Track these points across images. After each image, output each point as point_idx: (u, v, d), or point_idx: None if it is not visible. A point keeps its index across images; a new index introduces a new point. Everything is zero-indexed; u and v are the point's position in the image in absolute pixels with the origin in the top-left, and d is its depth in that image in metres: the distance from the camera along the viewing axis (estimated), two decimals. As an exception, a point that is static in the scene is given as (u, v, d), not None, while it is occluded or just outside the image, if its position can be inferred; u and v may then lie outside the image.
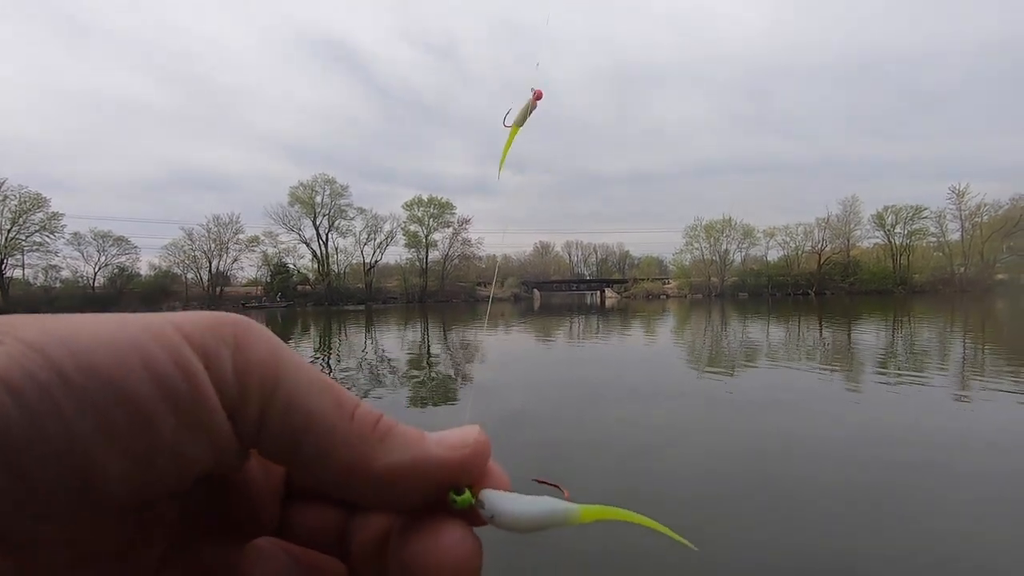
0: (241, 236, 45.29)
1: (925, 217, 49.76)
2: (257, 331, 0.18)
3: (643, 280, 55.66)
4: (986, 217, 47.60)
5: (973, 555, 2.19)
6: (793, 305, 28.39)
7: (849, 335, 11.52)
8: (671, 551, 2.22)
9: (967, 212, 48.74)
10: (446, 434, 0.19)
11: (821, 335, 11.64)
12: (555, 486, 0.19)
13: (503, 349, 10.32)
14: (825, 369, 6.84)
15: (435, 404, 5.28)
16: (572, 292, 58.17)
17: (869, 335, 11.44)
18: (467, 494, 0.18)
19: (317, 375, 0.18)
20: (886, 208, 50.85)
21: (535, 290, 53.20)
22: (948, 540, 2.30)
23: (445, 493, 0.19)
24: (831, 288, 49.06)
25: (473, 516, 0.19)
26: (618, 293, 52.52)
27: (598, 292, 55.37)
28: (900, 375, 6.27)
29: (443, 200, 49.28)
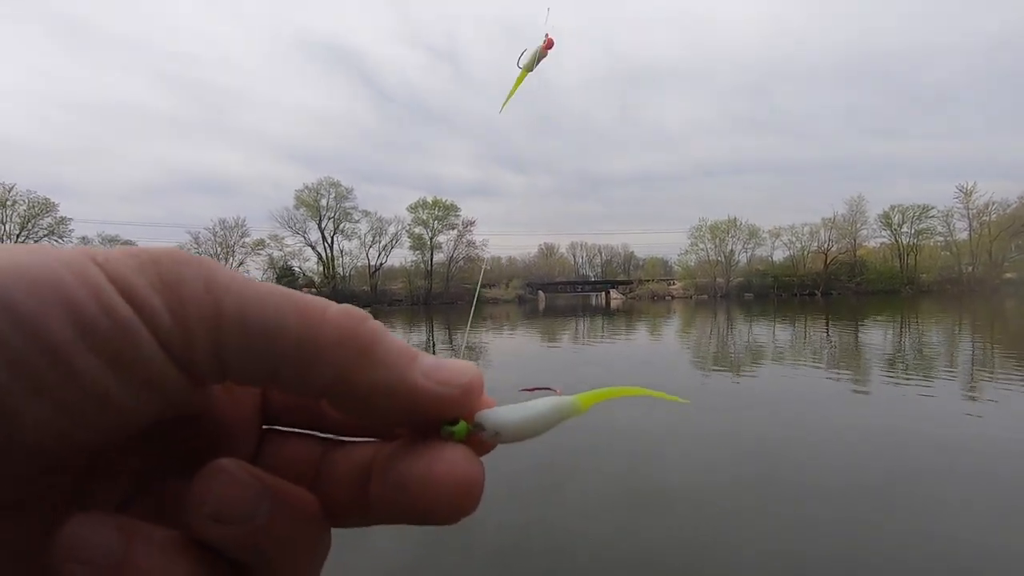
0: (247, 239, 45.48)
1: (932, 216, 49.43)
2: (186, 259, 0.16)
3: (648, 281, 55.50)
4: (994, 216, 47.22)
5: (984, 559, 2.17)
6: (799, 305, 28.26)
7: (856, 336, 11.46)
8: (677, 555, 2.22)
9: (975, 211, 48.38)
10: (439, 365, 0.18)
11: (828, 336, 11.58)
12: (545, 388, 0.19)
13: (508, 351, 10.32)
14: (832, 370, 6.81)
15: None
16: (577, 293, 58.05)
17: (876, 336, 11.37)
18: (462, 424, 0.18)
19: (268, 287, 0.16)
20: (893, 207, 50.55)
21: (540, 292, 53.14)
22: (956, 543, 2.28)
23: (436, 423, 0.18)
24: (838, 288, 48.79)
25: (473, 444, 0.18)
26: (623, 294, 52.40)
27: (603, 293, 55.27)
28: (908, 375, 6.23)
29: (448, 202, 49.34)
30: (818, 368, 6.99)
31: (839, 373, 6.56)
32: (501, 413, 0.18)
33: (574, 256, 79.79)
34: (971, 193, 48.36)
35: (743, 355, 8.66)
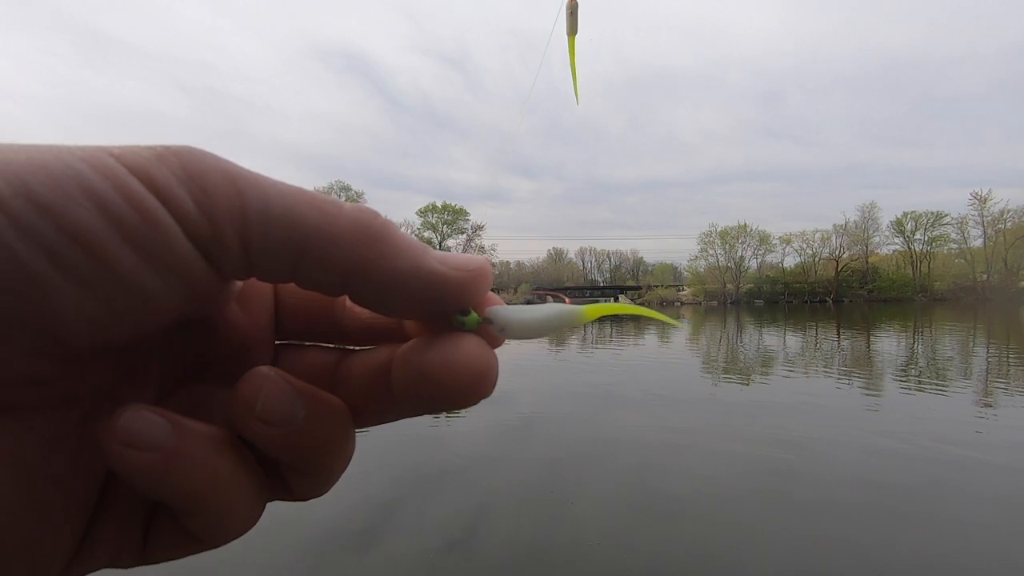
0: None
1: (946, 223, 48.93)
2: (204, 154, 0.16)
3: (657, 287, 55.35)
4: (1009, 223, 46.65)
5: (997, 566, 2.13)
6: (810, 312, 27.99)
7: (868, 344, 11.32)
8: (685, 568, 2.19)
9: (990, 218, 47.85)
10: (451, 254, 0.18)
11: (839, 344, 11.45)
12: (556, 293, 0.18)
13: (515, 356, 10.30)
14: (844, 378, 6.72)
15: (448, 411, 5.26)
16: (586, 299, 57.92)
17: (889, 344, 11.23)
18: (473, 315, 0.18)
19: (284, 184, 0.17)
20: (906, 214, 50.13)
21: (548, 297, 52.92)
22: (972, 557, 2.24)
23: (448, 313, 0.18)
24: (849, 295, 48.35)
25: (483, 335, 0.19)
26: (632, 300, 52.25)
27: (612, 299, 55.16)
28: (922, 385, 6.14)
29: (457, 207, 49.58)
30: (830, 376, 6.91)
31: (851, 381, 6.48)
32: (510, 311, 0.19)
33: (583, 261, 79.75)
34: (986, 200, 47.81)
35: (753, 362, 8.58)
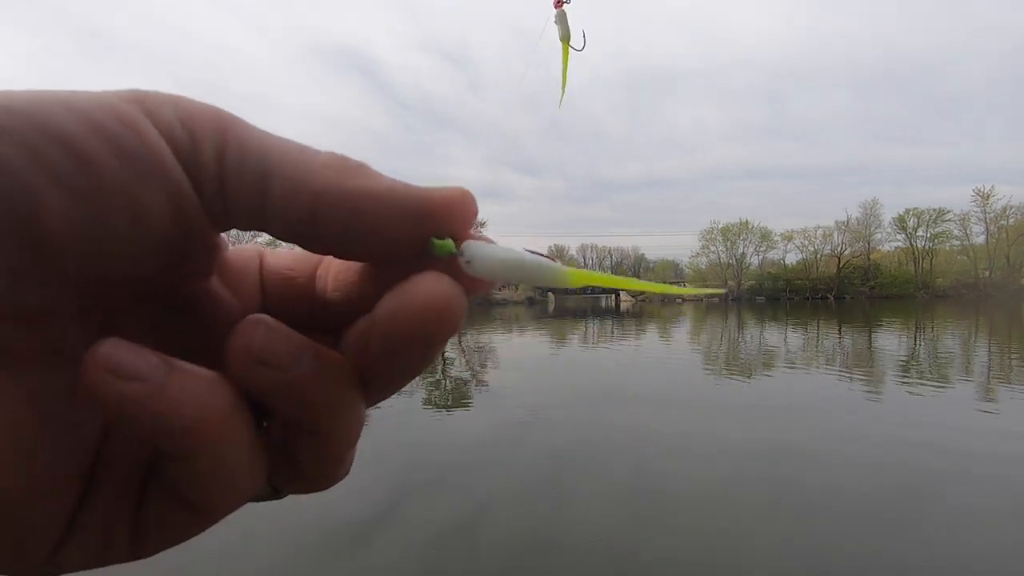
0: (260, 239, 45.96)
1: (948, 220, 48.82)
2: (195, 100, 0.17)
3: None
4: (1012, 220, 46.54)
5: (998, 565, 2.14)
6: (812, 309, 27.98)
7: (870, 340, 11.32)
8: (685, 561, 2.20)
9: (992, 215, 47.73)
10: (428, 185, 0.18)
11: (841, 340, 11.46)
12: (549, 257, 0.18)
13: (517, 353, 10.31)
14: (845, 375, 6.73)
15: (449, 407, 5.29)
16: (587, 295, 57.89)
17: (891, 341, 11.23)
18: (449, 241, 0.17)
19: (268, 132, 0.17)
20: (908, 211, 50.02)
21: (549, 293, 53.06)
22: (975, 552, 2.25)
23: (425, 239, 0.17)
24: (851, 292, 48.30)
25: (453, 268, 0.18)
26: (633, 296, 52.19)
27: (613, 296, 55.07)
28: (923, 381, 6.15)
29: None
30: (831, 373, 6.92)
31: (852, 378, 6.49)
32: (485, 247, 0.18)
33: (584, 258, 79.64)
34: (988, 197, 47.70)
35: (755, 359, 8.58)
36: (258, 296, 0.22)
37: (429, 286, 0.16)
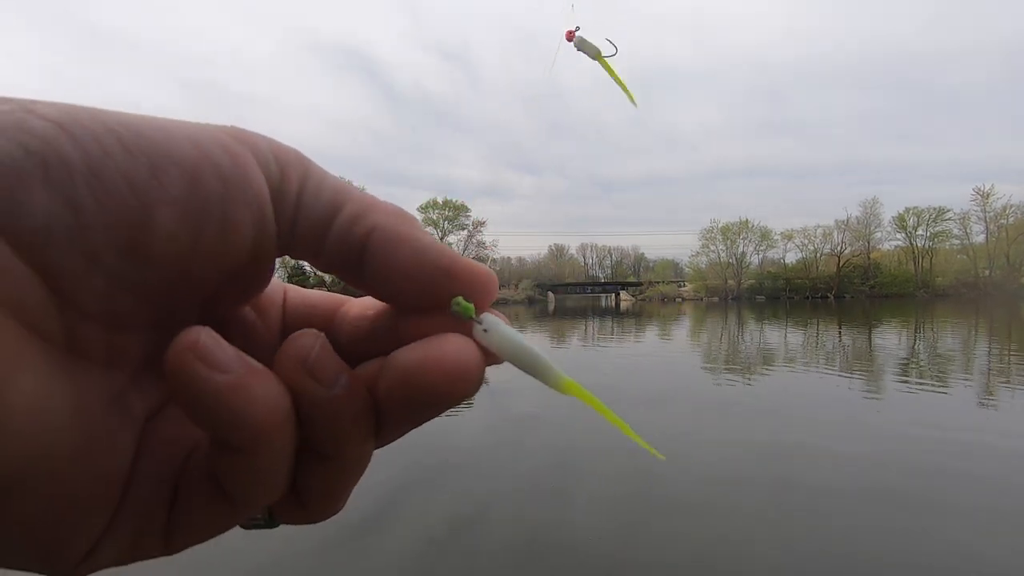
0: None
1: (948, 219, 48.80)
2: (279, 140, 0.19)
3: (658, 283, 55.28)
4: (1012, 219, 46.52)
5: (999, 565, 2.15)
6: (811, 308, 27.98)
7: (870, 340, 11.33)
8: (686, 560, 2.21)
9: (992, 214, 47.72)
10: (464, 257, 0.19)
11: (841, 340, 11.46)
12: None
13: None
14: (845, 374, 6.74)
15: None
16: (587, 295, 57.92)
17: (891, 340, 11.24)
18: (471, 305, 0.18)
19: (339, 178, 0.19)
20: (907, 210, 50.00)
21: (549, 292, 53.07)
22: (973, 553, 2.25)
23: (451, 296, 0.18)
24: (851, 291, 48.29)
25: (467, 331, 0.19)
26: (633, 296, 52.23)
27: (613, 295, 55.07)
28: (923, 380, 6.16)
29: (458, 203, 49.54)
30: (831, 372, 6.92)
31: (852, 377, 6.50)
32: (501, 324, 0.19)
33: (584, 257, 79.69)
34: (988, 196, 47.69)
35: (755, 359, 8.59)
36: (279, 326, 0.23)
37: (459, 347, 0.17)
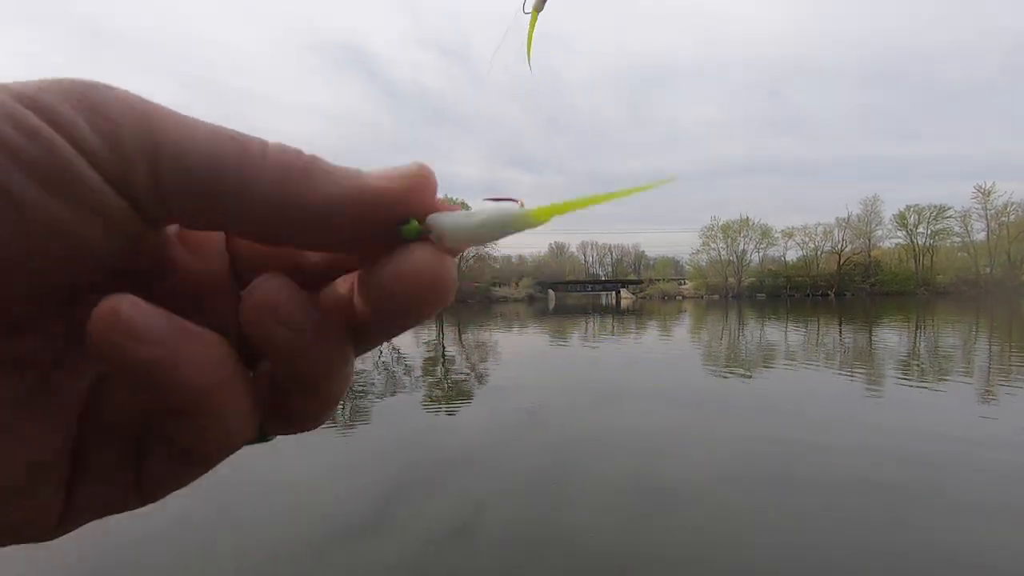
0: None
1: (949, 217, 48.71)
2: (104, 86, 0.15)
3: (659, 281, 55.23)
4: (1013, 217, 46.43)
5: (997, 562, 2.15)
6: (812, 307, 27.96)
7: (870, 338, 11.33)
8: (685, 557, 2.22)
9: (993, 212, 47.62)
10: (385, 168, 0.17)
11: (841, 338, 11.46)
12: (508, 199, 0.18)
13: (517, 350, 10.33)
14: (846, 372, 6.74)
15: (450, 403, 5.30)
16: (587, 292, 57.88)
17: (891, 338, 11.24)
18: (414, 223, 0.17)
19: (198, 120, 0.16)
20: (908, 208, 49.92)
21: (550, 290, 53.03)
22: (972, 548, 2.26)
23: (392, 227, 0.17)
24: (851, 289, 48.25)
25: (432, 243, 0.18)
26: (633, 294, 52.16)
27: (613, 293, 55.00)
28: (924, 378, 6.16)
29: (458, 200, 49.40)
30: (831, 370, 6.92)
31: (853, 375, 6.50)
32: (447, 217, 0.17)
33: (584, 255, 79.65)
34: (989, 193, 47.59)
35: (755, 356, 8.59)
36: (224, 256, 0.20)
37: (422, 261, 0.16)
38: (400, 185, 0.17)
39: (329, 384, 0.18)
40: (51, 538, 0.17)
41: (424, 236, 0.17)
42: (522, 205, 0.17)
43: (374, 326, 0.18)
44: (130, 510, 0.18)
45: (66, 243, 0.14)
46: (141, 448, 0.18)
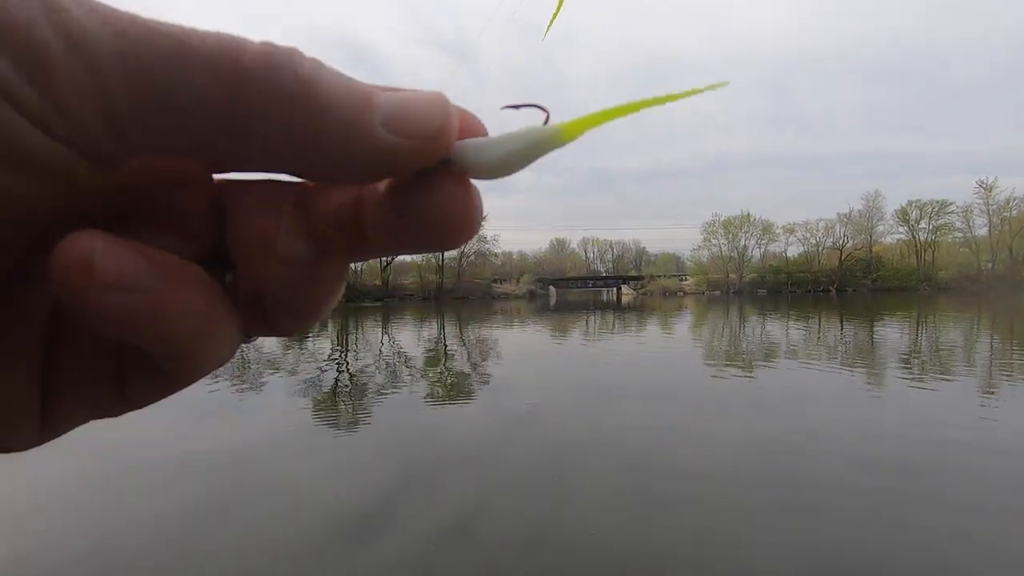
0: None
1: (951, 212, 48.57)
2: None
3: (660, 277, 55.21)
4: (1015, 212, 46.30)
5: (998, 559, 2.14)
6: (813, 302, 27.94)
7: (871, 334, 11.31)
8: (686, 554, 2.21)
9: (995, 207, 47.47)
10: (401, 110, 0.14)
11: (842, 334, 11.45)
12: (531, 106, 0.17)
13: (519, 346, 10.33)
14: (847, 368, 6.73)
15: (452, 400, 5.30)
16: (588, 289, 57.86)
17: (893, 334, 11.22)
18: (437, 164, 0.15)
19: (152, 22, 0.12)
20: (910, 203, 49.79)
21: (551, 287, 53.02)
22: (972, 546, 2.25)
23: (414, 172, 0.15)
24: (853, 285, 48.19)
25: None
26: (635, 290, 52.18)
27: (614, 289, 55.00)
28: (925, 374, 6.15)
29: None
30: (832, 367, 6.91)
31: (854, 371, 6.49)
32: (475, 147, 0.16)
33: (585, 251, 79.52)
34: (991, 189, 47.43)
35: (756, 354, 8.59)
36: (206, 194, 0.16)
37: (453, 196, 0.15)
38: (423, 145, 0.14)
39: (320, 305, 0.17)
40: (34, 445, 0.16)
41: (448, 165, 0.16)
42: (547, 117, 0.16)
43: (383, 247, 0.16)
44: (112, 416, 0.17)
45: None
46: (120, 363, 0.17)
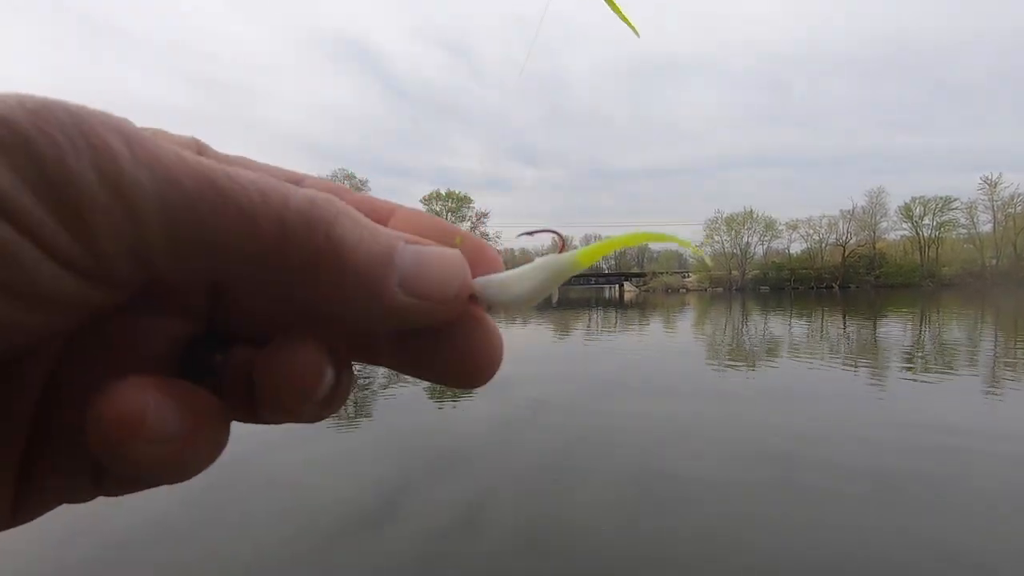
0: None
1: (955, 208, 48.35)
2: (60, 120, 0.11)
3: (662, 274, 55.11)
4: (1020, 208, 46.06)
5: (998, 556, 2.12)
6: (816, 299, 27.86)
7: (875, 331, 11.27)
8: (688, 552, 2.20)
9: (999, 203, 47.23)
10: (419, 270, 0.14)
11: (845, 331, 11.41)
12: (546, 231, 0.18)
13: (520, 344, 10.32)
14: (850, 365, 6.70)
15: (453, 397, 5.29)
16: (590, 286, 57.80)
17: (896, 331, 11.18)
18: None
19: (187, 161, 0.12)
20: (914, 199, 49.57)
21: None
22: (972, 544, 2.23)
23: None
24: (856, 282, 48.04)
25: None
26: (637, 287, 52.12)
27: (617, 286, 54.95)
28: (928, 371, 6.11)
29: (461, 194, 49.52)
30: (835, 363, 6.88)
31: (857, 368, 6.46)
32: (498, 288, 0.16)
33: (587, 249, 79.19)
34: (996, 185, 47.18)
35: (758, 351, 8.56)
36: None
37: (479, 339, 0.16)
38: (439, 309, 0.15)
39: (326, 412, 0.17)
40: (7, 528, 0.16)
41: (471, 300, 0.16)
42: (559, 241, 0.17)
43: (423, 373, 0.17)
44: (86, 501, 0.17)
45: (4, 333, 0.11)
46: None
